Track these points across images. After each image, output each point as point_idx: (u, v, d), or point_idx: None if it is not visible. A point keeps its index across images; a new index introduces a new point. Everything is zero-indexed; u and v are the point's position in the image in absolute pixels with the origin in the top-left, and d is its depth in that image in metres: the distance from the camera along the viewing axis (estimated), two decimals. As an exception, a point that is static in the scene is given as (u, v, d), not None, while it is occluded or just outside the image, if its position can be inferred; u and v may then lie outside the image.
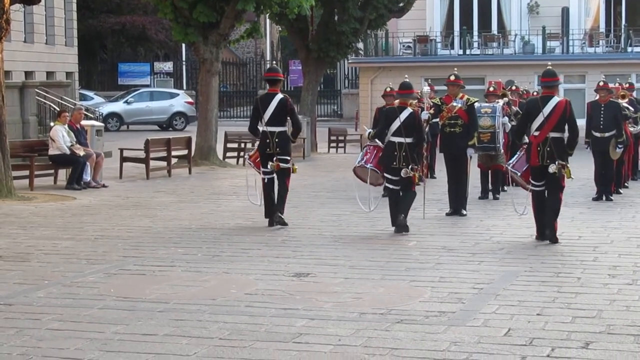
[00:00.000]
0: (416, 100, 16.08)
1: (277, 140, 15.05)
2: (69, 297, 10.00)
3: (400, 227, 14.34)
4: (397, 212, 14.43)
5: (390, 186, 14.66)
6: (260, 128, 15.18)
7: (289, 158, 15.15)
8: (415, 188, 14.68)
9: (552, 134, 13.37)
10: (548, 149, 13.32)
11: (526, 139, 13.88)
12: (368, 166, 15.37)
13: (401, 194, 14.52)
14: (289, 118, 15.31)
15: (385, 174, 14.71)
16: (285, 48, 71.06)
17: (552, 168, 13.28)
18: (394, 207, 14.56)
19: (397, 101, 15.25)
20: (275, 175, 15.21)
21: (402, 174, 14.34)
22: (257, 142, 15.66)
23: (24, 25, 39.18)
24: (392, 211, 14.60)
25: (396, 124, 14.48)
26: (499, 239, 13.91)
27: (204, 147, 27.48)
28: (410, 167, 14.32)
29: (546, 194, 13.69)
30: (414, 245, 13.35)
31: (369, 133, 16.05)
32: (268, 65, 62.81)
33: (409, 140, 14.42)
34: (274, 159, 15.03)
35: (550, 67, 13.97)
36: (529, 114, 13.70)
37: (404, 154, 14.37)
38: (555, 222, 13.58)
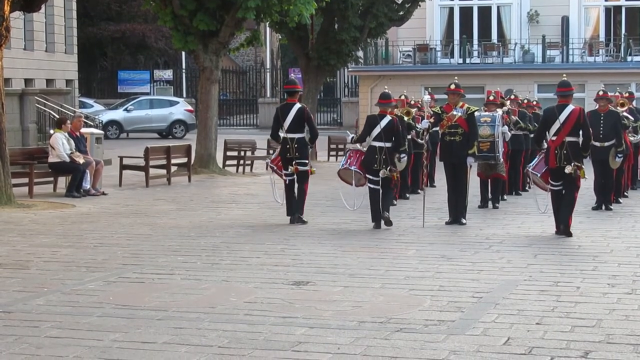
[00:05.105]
0: (416, 109, 16.32)
1: (296, 145, 16.40)
2: (68, 304, 9.99)
3: (386, 221, 15.83)
4: (381, 210, 15.84)
5: (372, 185, 15.99)
6: (282, 135, 16.55)
7: (307, 161, 16.58)
8: (393, 185, 16.54)
9: (568, 138, 14.88)
10: (565, 152, 14.81)
11: (545, 145, 15.41)
12: (352, 168, 16.59)
13: (382, 192, 15.85)
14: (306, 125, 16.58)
15: (367, 175, 16.06)
16: (285, 56, 71.10)
17: (568, 169, 14.75)
18: (375, 204, 15.91)
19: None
20: (295, 177, 16.51)
21: (380, 174, 15.74)
22: (278, 148, 17.02)
23: (24, 33, 39.18)
24: (373, 208, 15.95)
25: (377, 130, 15.83)
26: (499, 248, 13.91)
27: (203, 155, 27.48)
28: (388, 168, 15.76)
29: (563, 193, 15.00)
30: (414, 254, 13.35)
31: (352, 138, 17.16)
32: (268, 73, 63.15)
33: (388, 144, 15.85)
34: (293, 162, 16.38)
35: (566, 78, 15.55)
36: (547, 121, 15.22)
37: (384, 157, 15.80)
38: (569, 217, 14.99)
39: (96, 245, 14.13)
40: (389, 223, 15.83)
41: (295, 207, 16.54)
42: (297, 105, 16.51)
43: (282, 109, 16.71)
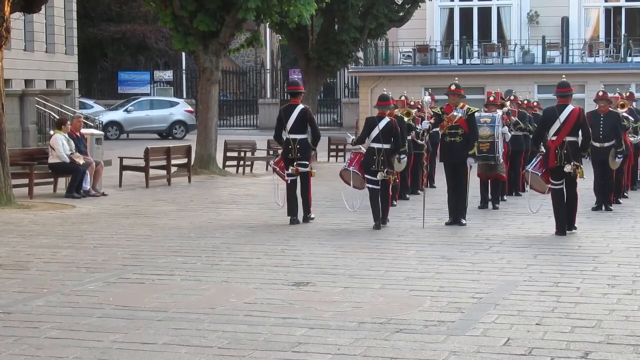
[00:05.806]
0: (416, 110, 16.35)
1: (298, 146, 16.53)
2: (68, 305, 9.99)
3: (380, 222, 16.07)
4: (379, 214, 16.01)
5: (371, 186, 16.10)
6: (284, 136, 16.68)
7: (307, 163, 16.69)
8: (391, 191, 16.67)
9: (568, 138, 15.12)
10: (565, 151, 15.04)
11: (542, 148, 15.67)
12: (350, 169, 16.84)
13: (381, 195, 16.06)
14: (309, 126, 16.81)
15: (366, 175, 16.19)
16: (285, 57, 71.09)
17: (567, 168, 15.01)
18: (375, 204, 16.01)
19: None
20: (297, 178, 16.65)
21: (377, 177, 15.92)
22: (281, 149, 17.24)
23: (24, 34, 39.18)
24: (373, 208, 16.03)
25: (375, 132, 15.95)
26: (499, 248, 13.91)
27: (203, 156, 27.49)
28: (385, 170, 15.88)
29: (565, 192, 15.30)
30: (413, 255, 13.35)
31: (352, 140, 17.47)
32: (268, 74, 63.13)
33: (386, 146, 15.95)
34: (294, 163, 16.51)
35: (565, 79, 15.75)
36: (546, 121, 15.46)
37: (382, 158, 15.91)
38: (574, 214, 15.44)
39: (96, 246, 14.13)
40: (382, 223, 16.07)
41: (300, 209, 16.62)
42: (300, 106, 16.70)
43: (285, 110, 16.91)
